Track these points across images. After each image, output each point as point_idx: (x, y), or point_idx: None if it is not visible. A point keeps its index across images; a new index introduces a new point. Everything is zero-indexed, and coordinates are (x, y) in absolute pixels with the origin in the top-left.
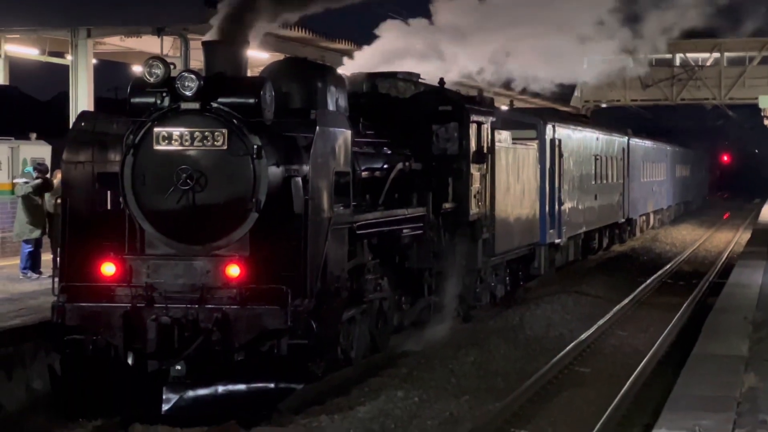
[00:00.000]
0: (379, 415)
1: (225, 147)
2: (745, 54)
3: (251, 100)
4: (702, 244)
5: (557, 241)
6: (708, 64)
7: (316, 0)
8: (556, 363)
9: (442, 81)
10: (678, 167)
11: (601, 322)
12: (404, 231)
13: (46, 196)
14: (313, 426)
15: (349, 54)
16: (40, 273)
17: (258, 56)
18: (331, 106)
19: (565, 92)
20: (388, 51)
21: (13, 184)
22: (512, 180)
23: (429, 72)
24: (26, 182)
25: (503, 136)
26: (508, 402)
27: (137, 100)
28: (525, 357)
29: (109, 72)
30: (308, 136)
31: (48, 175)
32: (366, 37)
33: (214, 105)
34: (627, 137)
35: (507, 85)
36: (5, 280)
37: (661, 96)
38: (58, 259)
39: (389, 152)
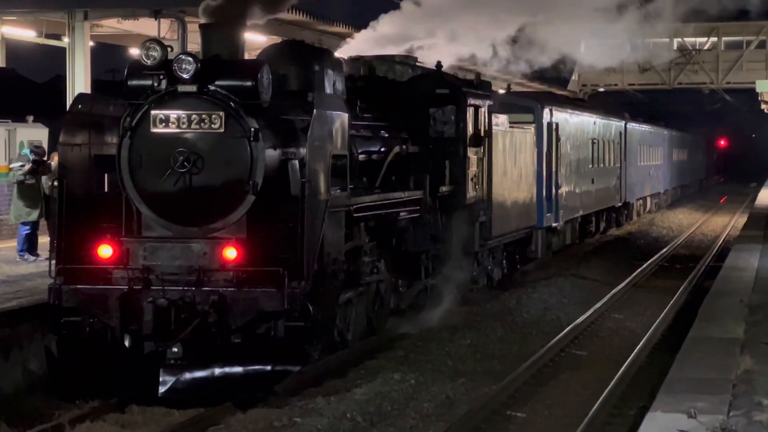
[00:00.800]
0: (375, 398)
1: (222, 129)
2: (743, 38)
3: (248, 83)
4: (699, 228)
5: (554, 224)
6: (705, 48)
7: None
8: (552, 346)
9: (439, 64)
10: (675, 151)
11: (597, 305)
12: (401, 214)
13: (43, 178)
14: (309, 408)
15: (347, 37)
16: (37, 255)
17: (255, 39)
18: (328, 89)
19: (562, 76)
20: (384, 36)
21: (10, 168)
22: (509, 163)
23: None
24: (22, 165)
25: (500, 120)
26: (504, 385)
27: (134, 82)
28: (522, 340)
29: (106, 54)
30: (305, 119)
31: (45, 158)
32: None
33: (212, 88)
34: (624, 121)
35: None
36: (2, 262)
37: (659, 80)
38: (55, 241)
39: (386, 135)
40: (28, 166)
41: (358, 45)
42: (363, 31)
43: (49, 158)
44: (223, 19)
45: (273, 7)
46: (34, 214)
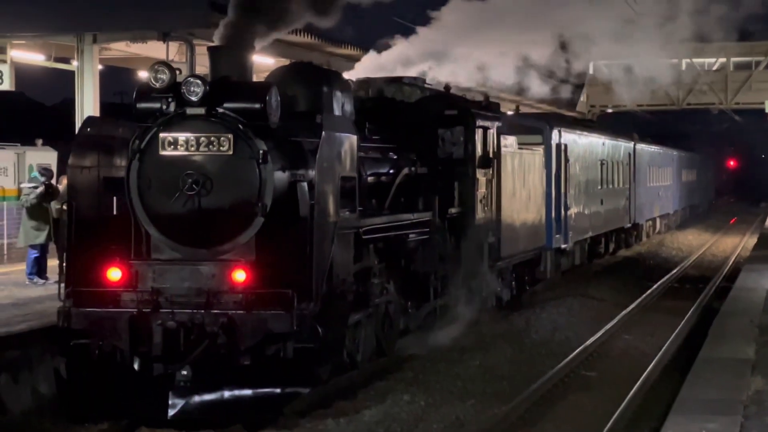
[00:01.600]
0: (385, 419)
1: (231, 152)
2: (752, 59)
3: (257, 105)
4: (708, 249)
5: (563, 245)
6: (714, 68)
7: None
8: (562, 367)
9: (447, 86)
10: (684, 172)
11: (607, 326)
12: (410, 235)
13: (52, 202)
14: (319, 429)
15: (356, 59)
16: (46, 278)
17: (264, 62)
18: (337, 111)
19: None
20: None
21: (19, 190)
22: (518, 185)
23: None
24: (34, 187)
25: (509, 141)
26: (514, 406)
27: (143, 105)
28: (531, 361)
29: (114, 77)
30: (314, 141)
31: (53, 181)
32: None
33: (220, 110)
34: (633, 142)
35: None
36: (12, 285)
37: (668, 101)
38: (64, 263)
39: (395, 157)
40: (41, 189)
41: (367, 67)
42: (372, 54)
43: (57, 181)
44: (231, 41)
45: (279, 26)
46: (42, 236)
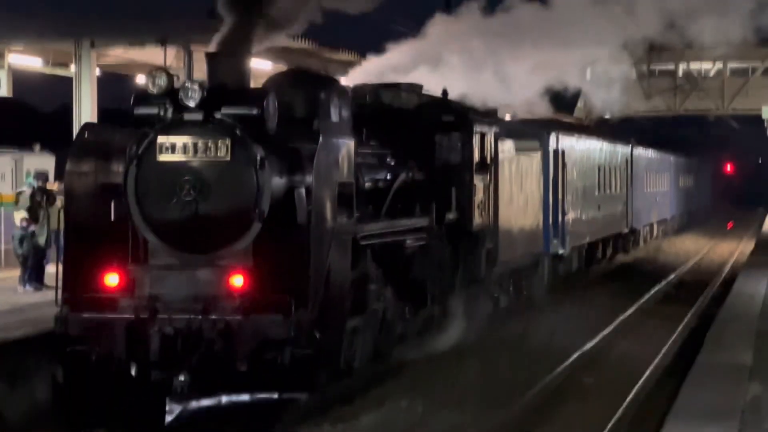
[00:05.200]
0: (383, 425)
1: (228, 157)
2: (748, 65)
3: (254, 111)
4: (706, 254)
5: (561, 251)
6: (711, 74)
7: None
8: (559, 373)
9: (445, 92)
10: (682, 177)
11: (605, 332)
12: (407, 241)
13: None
14: None
15: (353, 65)
16: (43, 285)
17: (261, 67)
18: (334, 117)
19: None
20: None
21: (17, 195)
22: (515, 190)
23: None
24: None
25: (506, 146)
26: (511, 412)
27: (140, 110)
28: (528, 367)
29: (112, 83)
30: (311, 147)
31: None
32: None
33: (218, 115)
34: (630, 147)
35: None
36: (9, 291)
37: (665, 106)
38: (60, 269)
39: (392, 162)
40: (27, 190)
41: (365, 72)
42: (372, 59)
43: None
44: (228, 46)
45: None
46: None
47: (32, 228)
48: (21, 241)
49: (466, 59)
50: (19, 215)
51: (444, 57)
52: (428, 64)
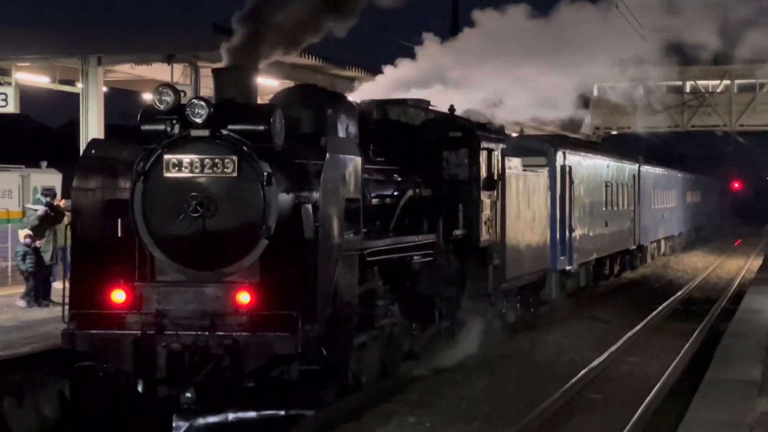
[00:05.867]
0: None
1: (235, 174)
2: (756, 81)
3: (261, 127)
4: (713, 271)
5: (568, 267)
6: (719, 90)
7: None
8: (567, 389)
9: (452, 108)
10: (689, 193)
11: (612, 348)
12: (415, 257)
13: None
14: None
15: (360, 81)
16: (50, 301)
17: (268, 84)
18: (341, 133)
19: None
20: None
21: (24, 211)
22: (522, 206)
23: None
24: (36, 208)
25: (513, 163)
26: (519, 428)
27: (147, 127)
28: (536, 383)
29: (119, 99)
30: (318, 163)
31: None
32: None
33: (224, 132)
34: (638, 164)
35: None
36: (16, 308)
37: (672, 123)
38: (67, 285)
39: (399, 179)
40: (41, 210)
41: (372, 89)
42: (379, 76)
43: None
44: (236, 61)
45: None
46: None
47: (37, 243)
48: (24, 257)
49: (479, 76)
50: (23, 232)
51: (451, 74)
52: (439, 82)
